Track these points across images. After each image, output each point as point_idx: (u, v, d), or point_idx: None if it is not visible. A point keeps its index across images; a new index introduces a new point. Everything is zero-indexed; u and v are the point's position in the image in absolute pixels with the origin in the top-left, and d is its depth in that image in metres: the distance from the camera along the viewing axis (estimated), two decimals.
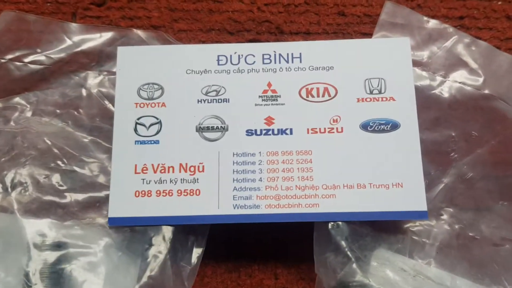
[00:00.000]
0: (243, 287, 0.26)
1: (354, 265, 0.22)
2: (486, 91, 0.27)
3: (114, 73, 0.29)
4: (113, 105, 0.28)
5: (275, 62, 0.27)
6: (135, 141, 0.26)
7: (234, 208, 0.25)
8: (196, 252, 0.25)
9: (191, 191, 0.25)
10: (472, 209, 0.25)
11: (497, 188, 0.26)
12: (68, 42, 0.30)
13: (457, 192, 0.26)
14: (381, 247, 0.24)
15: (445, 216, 0.25)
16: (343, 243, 0.23)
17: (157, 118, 0.26)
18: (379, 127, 0.25)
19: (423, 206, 0.24)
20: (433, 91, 0.27)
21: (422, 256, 0.24)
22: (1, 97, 0.29)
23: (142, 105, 0.26)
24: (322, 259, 0.23)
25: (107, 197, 0.25)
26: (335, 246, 0.23)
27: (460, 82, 0.27)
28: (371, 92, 0.26)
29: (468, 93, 0.27)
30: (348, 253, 0.23)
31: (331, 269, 0.23)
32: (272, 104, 0.26)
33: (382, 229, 0.24)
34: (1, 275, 0.23)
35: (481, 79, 0.28)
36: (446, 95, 0.27)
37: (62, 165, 0.26)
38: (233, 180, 0.25)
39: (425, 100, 0.27)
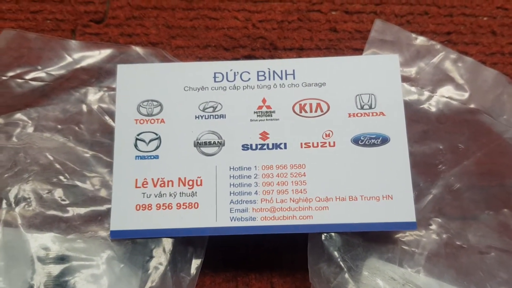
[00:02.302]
0: None
1: (347, 275, 0.23)
2: (472, 106, 0.28)
3: (114, 89, 0.30)
4: (114, 121, 0.29)
5: (269, 79, 0.28)
6: (135, 156, 0.27)
7: (231, 220, 0.26)
8: (195, 263, 0.26)
9: (190, 204, 0.26)
10: (459, 218, 0.27)
11: (482, 198, 0.27)
12: (68, 59, 0.31)
13: (445, 203, 0.27)
14: (372, 256, 0.25)
15: (433, 226, 0.26)
16: (335, 253, 0.24)
17: (156, 134, 0.27)
18: (370, 141, 0.26)
19: (412, 217, 0.25)
20: (422, 106, 0.29)
21: (411, 265, 0.25)
22: (2, 113, 0.30)
23: (141, 121, 0.27)
24: (315, 269, 0.24)
25: (108, 211, 0.26)
26: (328, 256, 0.24)
27: (447, 97, 0.29)
28: (361, 108, 0.27)
29: (455, 107, 0.28)
30: (341, 263, 0.24)
31: (325, 278, 0.24)
32: (266, 119, 0.27)
33: (373, 239, 0.25)
34: None
35: (467, 94, 0.29)
36: (433, 109, 0.28)
37: (64, 180, 0.27)
38: (230, 193, 0.26)
39: (414, 114, 0.28)
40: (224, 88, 0.28)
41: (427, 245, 0.26)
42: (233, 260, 0.28)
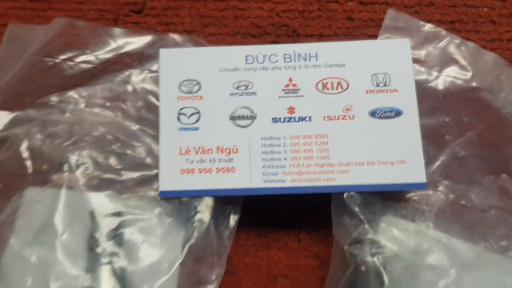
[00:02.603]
0: (271, 249, 0.31)
1: (366, 226, 0.27)
2: (474, 84, 0.32)
3: (155, 72, 0.34)
4: (156, 99, 0.33)
5: (295, 61, 0.32)
6: (179, 128, 0.30)
7: (264, 182, 0.29)
8: (233, 219, 0.29)
9: (227, 168, 0.30)
10: (464, 182, 0.30)
11: (484, 165, 0.31)
12: (113, 44, 0.35)
13: (451, 168, 0.30)
14: (388, 213, 0.28)
15: (441, 188, 0.30)
16: (356, 209, 0.28)
17: (196, 109, 0.31)
18: (385, 114, 0.30)
19: (423, 179, 0.29)
20: (430, 84, 0.32)
21: (422, 220, 0.29)
22: (56, 92, 0.33)
23: (183, 98, 0.31)
24: (339, 223, 0.28)
25: (156, 175, 0.30)
26: (350, 212, 0.28)
27: (452, 77, 0.32)
28: (377, 85, 0.30)
29: (459, 85, 0.32)
30: (361, 216, 0.27)
31: (347, 230, 0.27)
32: (293, 96, 0.31)
33: (389, 198, 0.29)
34: (71, 242, 0.28)
35: (469, 74, 0.32)
36: (440, 87, 0.32)
37: (116, 148, 0.31)
38: (262, 159, 0.30)
39: (423, 91, 0.32)
40: (255, 69, 0.32)
41: (435, 204, 0.29)
42: (264, 218, 0.32)
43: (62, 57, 0.34)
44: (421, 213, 0.29)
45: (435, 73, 0.33)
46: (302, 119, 0.30)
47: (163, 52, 0.32)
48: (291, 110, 0.31)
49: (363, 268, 0.26)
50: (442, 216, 0.29)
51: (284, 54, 0.32)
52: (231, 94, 0.31)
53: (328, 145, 0.30)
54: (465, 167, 0.31)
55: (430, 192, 0.30)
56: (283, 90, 0.31)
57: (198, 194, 0.29)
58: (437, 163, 0.31)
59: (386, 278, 0.25)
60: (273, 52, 0.32)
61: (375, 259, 0.26)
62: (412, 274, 0.27)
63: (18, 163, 0.31)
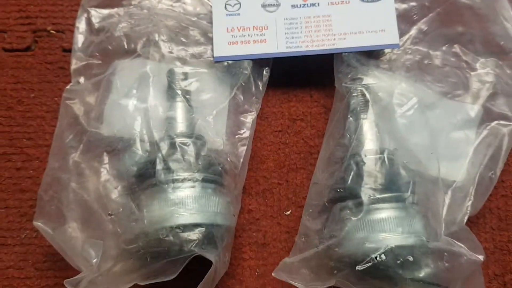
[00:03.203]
0: (291, 102, 0.44)
1: (359, 70, 0.40)
2: None
3: None
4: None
5: None
6: (226, 14, 0.43)
7: (286, 48, 0.42)
8: (265, 76, 0.43)
9: (261, 40, 0.43)
10: (427, 48, 0.43)
11: (442, 37, 0.43)
12: None
13: (418, 39, 0.43)
14: (373, 66, 0.41)
15: (410, 52, 0.43)
16: (352, 61, 0.41)
17: (237, 1, 0.44)
18: None
19: (396, 41, 0.41)
20: None
21: (396, 71, 0.42)
22: None
23: None
24: (339, 73, 0.41)
25: (210, 49, 0.43)
26: (347, 64, 0.41)
27: None
28: None
29: None
30: (356, 64, 0.40)
31: (345, 74, 0.40)
32: None
33: (374, 57, 0.42)
34: (156, 92, 0.41)
35: None
36: None
37: (182, 31, 0.44)
38: (285, 33, 0.43)
39: None
40: None
41: (406, 61, 0.42)
42: (286, 80, 0.45)
43: None
44: (396, 67, 0.42)
45: None
46: (312, 5, 0.43)
47: None
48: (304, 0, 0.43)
49: (354, 93, 0.39)
50: (411, 69, 0.42)
51: None
52: None
53: (331, 22, 0.43)
54: (428, 38, 0.43)
55: (402, 54, 0.43)
56: None
57: (241, 58, 0.42)
58: (407, 35, 0.43)
59: (368, 96, 0.39)
60: None
61: (363, 88, 0.39)
62: (387, 107, 0.40)
63: (114, 42, 0.44)
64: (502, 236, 0.42)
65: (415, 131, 0.39)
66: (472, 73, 0.43)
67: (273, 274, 0.36)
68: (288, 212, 0.42)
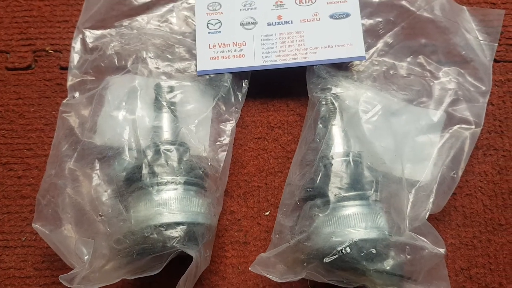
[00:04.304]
0: (269, 111, 0.48)
1: (328, 81, 0.44)
2: None
3: (189, 3, 0.51)
4: (192, 20, 0.49)
5: None
6: (208, 32, 0.47)
7: (263, 62, 0.46)
8: (244, 87, 0.47)
9: (239, 55, 0.47)
10: (393, 60, 0.47)
11: (406, 49, 0.47)
12: None
13: (384, 51, 0.47)
14: (342, 76, 0.45)
15: (376, 63, 0.46)
16: (322, 73, 0.45)
17: (218, 20, 0.48)
18: (339, 16, 0.46)
19: (363, 54, 0.45)
20: None
21: (363, 81, 0.45)
22: (126, 18, 0.51)
23: (210, 13, 0.48)
24: (311, 84, 0.45)
25: (195, 64, 0.47)
26: (318, 76, 0.45)
27: None
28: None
29: None
30: (326, 75, 0.44)
31: (315, 85, 0.44)
32: (280, 8, 0.48)
33: (343, 68, 0.46)
34: (143, 104, 0.45)
35: None
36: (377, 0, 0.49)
37: (168, 49, 0.48)
38: (261, 48, 0.47)
39: (364, 2, 0.48)
40: None
41: (373, 72, 0.46)
42: (264, 92, 0.49)
43: None
44: (364, 77, 0.46)
45: None
46: (286, 22, 0.47)
47: None
48: (279, 17, 0.47)
49: (323, 102, 0.43)
50: (377, 79, 0.46)
51: None
52: (241, 10, 0.48)
53: (303, 37, 0.47)
54: (394, 50, 0.47)
55: (370, 65, 0.46)
56: (274, 5, 0.48)
57: (222, 72, 0.46)
58: (374, 48, 0.47)
59: (337, 105, 0.42)
60: None
61: (331, 97, 0.43)
62: (353, 114, 0.43)
63: (106, 60, 0.48)
64: (467, 233, 0.45)
65: (380, 135, 0.42)
66: (435, 81, 0.47)
67: (250, 268, 0.39)
68: (267, 213, 0.46)
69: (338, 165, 0.40)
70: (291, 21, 0.47)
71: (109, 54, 0.48)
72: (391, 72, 0.46)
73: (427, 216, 0.41)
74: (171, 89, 0.46)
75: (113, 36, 0.49)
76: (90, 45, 0.49)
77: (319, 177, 0.40)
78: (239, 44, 0.47)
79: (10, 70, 0.51)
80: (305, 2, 0.48)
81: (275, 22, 0.47)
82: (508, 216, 0.45)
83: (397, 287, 0.38)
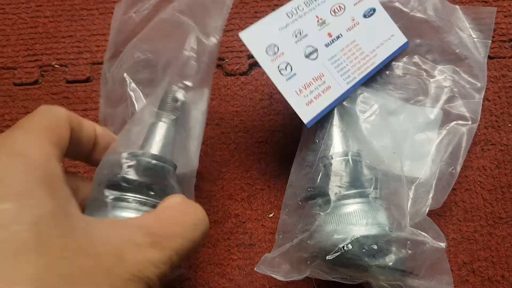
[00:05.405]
0: (271, 116, 0.49)
1: None
2: None
3: None
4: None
5: (311, 4, 0.46)
6: (286, 79, 0.42)
7: (347, 84, 0.44)
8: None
9: (326, 88, 0.43)
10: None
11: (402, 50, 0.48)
12: None
13: None
14: None
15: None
16: None
17: (286, 62, 0.42)
18: (369, 13, 0.45)
19: (405, 39, 0.47)
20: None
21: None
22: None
23: (274, 59, 0.42)
24: None
25: None
26: None
27: None
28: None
29: (382, 1, 0.49)
30: None
31: None
32: (325, 26, 0.45)
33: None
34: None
35: None
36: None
37: None
38: (337, 72, 0.44)
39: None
40: (296, 19, 0.44)
41: None
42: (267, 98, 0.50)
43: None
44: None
45: None
46: (338, 37, 0.45)
47: (243, 35, 0.41)
48: (329, 35, 0.45)
49: None
50: (374, 80, 0.47)
51: (304, 2, 0.45)
52: (296, 42, 0.44)
53: (359, 45, 0.45)
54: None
55: None
56: (317, 25, 0.45)
57: (324, 112, 0.43)
58: None
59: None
60: (298, 3, 0.45)
61: None
62: (352, 114, 0.44)
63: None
64: (468, 227, 0.46)
65: (378, 134, 0.43)
66: (431, 79, 0.48)
67: (255, 269, 0.40)
68: (271, 215, 0.47)
69: (337, 165, 0.41)
70: (341, 34, 0.46)
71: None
72: (387, 72, 0.48)
73: (427, 212, 0.42)
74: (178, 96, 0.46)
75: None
76: None
77: (319, 177, 0.41)
78: (319, 78, 0.44)
79: (18, 86, 0.53)
80: (339, 11, 0.46)
81: (330, 42, 0.45)
82: (508, 210, 0.46)
83: (400, 282, 0.38)
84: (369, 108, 0.44)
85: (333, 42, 0.45)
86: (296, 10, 0.44)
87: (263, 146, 0.49)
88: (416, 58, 0.48)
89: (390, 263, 0.38)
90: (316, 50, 0.44)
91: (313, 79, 0.43)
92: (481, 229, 0.45)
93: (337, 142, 0.42)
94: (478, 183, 0.47)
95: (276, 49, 0.43)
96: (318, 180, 0.40)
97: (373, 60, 0.46)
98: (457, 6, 0.50)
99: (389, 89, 0.47)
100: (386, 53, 0.46)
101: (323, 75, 0.44)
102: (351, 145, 0.42)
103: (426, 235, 0.40)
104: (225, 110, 0.50)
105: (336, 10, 0.46)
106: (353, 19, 0.47)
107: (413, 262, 0.39)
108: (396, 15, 0.49)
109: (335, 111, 0.44)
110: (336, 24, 0.46)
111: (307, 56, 0.44)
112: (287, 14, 0.44)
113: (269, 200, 0.47)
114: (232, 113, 0.50)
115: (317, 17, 0.45)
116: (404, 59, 0.48)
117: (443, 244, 0.40)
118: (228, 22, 0.52)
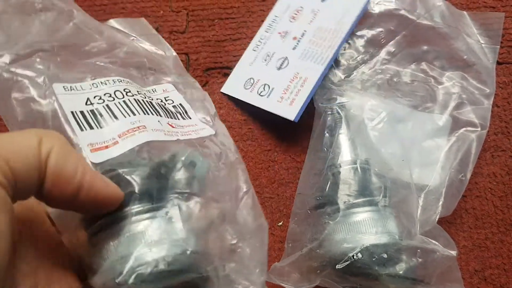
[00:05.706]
0: (279, 124, 0.49)
1: (333, 91, 0.45)
2: (396, 6, 0.49)
3: None
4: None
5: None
6: (266, 97, 0.50)
7: (322, 65, 0.47)
8: None
9: (304, 80, 0.46)
10: (396, 68, 0.48)
11: (409, 57, 0.48)
12: None
13: (387, 60, 0.48)
14: (347, 87, 0.46)
15: (380, 71, 0.48)
16: (327, 83, 0.46)
17: (264, 84, 0.49)
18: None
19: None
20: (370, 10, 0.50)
21: (368, 89, 0.46)
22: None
23: (251, 89, 0.49)
24: (316, 93, 0.46)
25: None
26: (322, 86, 0.46)
27: (382, 4, 0.50)
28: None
29: (387, 9, 0.49)
30: (330, 87, 0.45)
31: (321, 97, 0.45)
32: (285, 36, 0.49)
33: (348, 78, 0.47)
34: None
35: (393, 1, 0.50)
36: (376, 11, 0.50)
37: None
38: (310, 61, 0.48)
39: (365, 13, 0.50)
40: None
41: (377, 81, 0.47)
42: None
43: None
44: (368, 86, 0.47)
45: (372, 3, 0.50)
46: (302, 35, 0.49)
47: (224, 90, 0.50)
48: (294, 38, 0.49)
49: (329, 111, 0.44)
50: (382, 87, 0.47)
51: (265, 30, 0.51)
52: (266, 65, 0.49)
53: (323, 27, 0.48)
54: (396, 58, 0.48)
55: (374, 74, 0.48)
56: (280, 38, 0.50)
57: (307, 102, 0.45)
58: (377, 57, 0.48)
59: (342, 114, 0.43)
60: (260, 36, 0.51)
61: (336, 107, 0.44)
62: (359, 122, 0.44)
63: None
64: (479, 234, 0.45)
65: (386, 141, 0.43)
66: (439, 86, 0.47)
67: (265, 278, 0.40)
68: (280, 223, 0.47)
69: (346, 173, 0.41)
70: (305, 31, 0.49)
71: None
72: (395, 79, 0.48)
73: (437, 219, 0.41)
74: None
75: None
76: None
77: (328, 186, 0.41)
78: (295, 77, 0.47)
79: None
80: (297, 14, 0.50)
81: (296, 44, 0.49)
82: None
83: None
84: (377, 115, 0.44)
85: (299, 42, 0.48)
86: (260, 42, 0.51)
87: (272, 155, 0.49)
88: (424, 65, 0.48)
89: (401, 272, 0.38)
90: (286, 58, 0.48)
91: (290, 81, 0.47)
92: (492, 236, 0.45)
93: (345, 150, 0.42)
94: (489, 189, 0.46)
95: (252, 80, 0.49)
96: (327, 189, 0.40)
97: (340, 31, 0.47)
98: (464, 12, 0.50)
99: (397, 96, 0.47)
100: (350, 19, 0.47)
101: (298, 73, 0.47)
102: (360, 153, 0.42)
103: (436, 243, 0.40)
104: (233, 119, 0.50)
105: (294, 16, 0.50)
106: (313, 11, 0.49)
107: (424, 270, 0.39)
108: (403, 22, 0.49)
109: (343, 119, 0.44)
110: (298, 26, 0.49)
111: (279, 68, 0.48)
112: (253, 49, 0.50)
113: (278, 208, 0.47)
114: (240, 121, 0.50)
115: (279, 33, 0.50)
116: (412, 66, 0.48)
117: (453, 252, 0.40)
118: (235, 31, 0.53)
